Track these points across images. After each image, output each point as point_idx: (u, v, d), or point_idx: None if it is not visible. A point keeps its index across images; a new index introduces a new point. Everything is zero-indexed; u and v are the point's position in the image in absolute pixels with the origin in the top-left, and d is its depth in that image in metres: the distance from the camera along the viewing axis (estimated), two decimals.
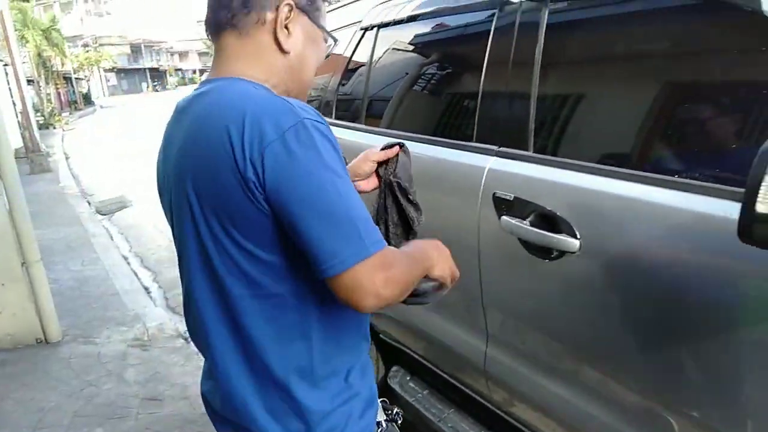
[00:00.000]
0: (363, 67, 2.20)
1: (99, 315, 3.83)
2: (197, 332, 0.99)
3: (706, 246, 1.03)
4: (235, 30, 0.92)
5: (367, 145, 1.49)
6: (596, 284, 1.25)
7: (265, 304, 0.89)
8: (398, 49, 2.09)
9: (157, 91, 57.97)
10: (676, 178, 1.07)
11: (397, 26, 2.02)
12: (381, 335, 2.16)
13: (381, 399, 1.10)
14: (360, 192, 1.01)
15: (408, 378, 2.09)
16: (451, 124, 1.81)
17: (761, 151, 0.72)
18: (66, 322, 3.61)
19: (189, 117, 0.90)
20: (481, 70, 1.55)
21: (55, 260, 4.94)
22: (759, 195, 0.72)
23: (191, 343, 2.57)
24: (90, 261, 5.04)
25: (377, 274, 0.79)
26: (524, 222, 1.33)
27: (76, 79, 36.36)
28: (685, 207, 1.04)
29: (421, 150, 1.67)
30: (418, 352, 1.99)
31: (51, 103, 24.37)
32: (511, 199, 1.38)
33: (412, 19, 1.95)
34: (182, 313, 1.13)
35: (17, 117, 11.86)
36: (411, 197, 1.24)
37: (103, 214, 7.28)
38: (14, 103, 11.74)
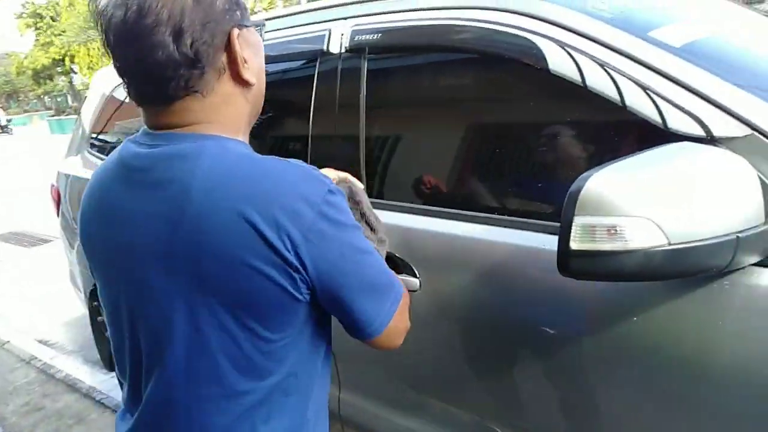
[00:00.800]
0: None
1: None
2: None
3: (525, 275, 1.16)
4: (196, 94, 0.76)
5: None
6: (432, 318, 1.33)
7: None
8: None
9: None
10: (494, 215, 1.20)
11: None
12: None
13: None
14: None
15: None
16: None
17: (569, 193, 0.84)
18: None
19: (172, 187, 0.74)
20: (309, 119, 1.57)
21: None
22: (571, 234, 0.83)
23: None
24: None
25: (405, 313, 0.87)
26: None
27: None
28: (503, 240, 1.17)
29: None
30: None
31: None
32: None
33: None
34: None
35: None
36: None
37: None
38: None
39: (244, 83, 0.79)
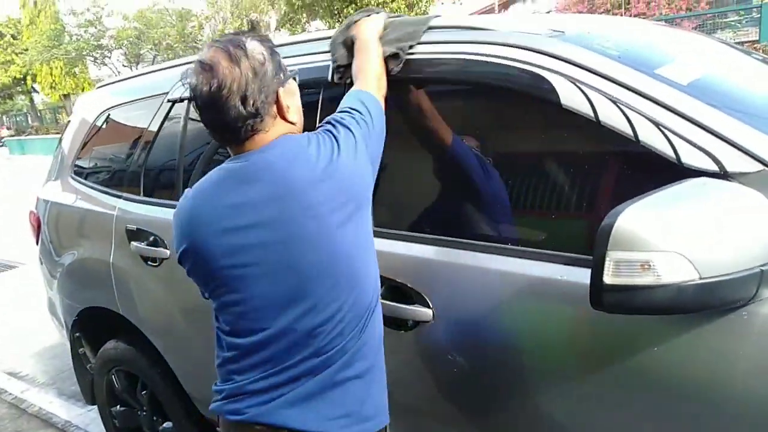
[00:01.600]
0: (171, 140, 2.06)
1: None
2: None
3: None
4: (260, 132, 1.10)
5: None
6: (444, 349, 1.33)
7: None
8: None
9: None
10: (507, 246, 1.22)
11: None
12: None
13: None
14: None
15: None
16: None
17: (601, 229, 0.86)
18: None
19: (268, 173, 1.08)
20: None
21: None
22: (604, 269, 0.85)
23: None
24: None
25: None
26: None
27: None
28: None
29: None
30: None
31: None
32: None
33: None
34: None
35: None
36: None
37: None
38: None
39: (290, 123, 1.16)
